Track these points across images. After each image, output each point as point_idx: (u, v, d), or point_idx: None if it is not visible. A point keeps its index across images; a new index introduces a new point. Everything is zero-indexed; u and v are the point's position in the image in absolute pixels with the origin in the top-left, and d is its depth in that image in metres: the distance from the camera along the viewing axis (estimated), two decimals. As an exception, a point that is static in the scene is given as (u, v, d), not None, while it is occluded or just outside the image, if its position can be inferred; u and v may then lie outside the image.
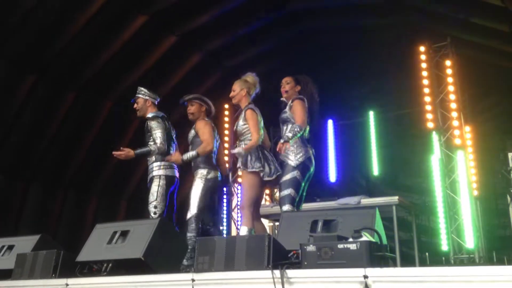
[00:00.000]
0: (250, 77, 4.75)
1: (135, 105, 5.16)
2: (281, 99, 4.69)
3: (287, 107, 4.58)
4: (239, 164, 4.47)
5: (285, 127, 4.55)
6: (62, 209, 7.45)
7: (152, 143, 4.93)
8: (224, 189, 8.30)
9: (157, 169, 4.88)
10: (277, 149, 4.30)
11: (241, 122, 4.53)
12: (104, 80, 7.31)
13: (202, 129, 4.82)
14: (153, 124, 4.96)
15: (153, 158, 4.94)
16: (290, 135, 4.29)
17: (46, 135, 7.04)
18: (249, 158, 4.37)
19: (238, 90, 4.66)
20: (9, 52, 6.28)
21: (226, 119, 9.17)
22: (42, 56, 6.55)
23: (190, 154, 4.70)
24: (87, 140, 7.55)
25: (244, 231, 4.27)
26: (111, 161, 7.94)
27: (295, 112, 4.46)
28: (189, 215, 4.65)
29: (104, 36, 6.86)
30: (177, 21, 7.31)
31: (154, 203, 4.79)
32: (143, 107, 5.12)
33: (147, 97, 5.14)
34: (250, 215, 4.32)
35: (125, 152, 4.89)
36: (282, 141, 4.28)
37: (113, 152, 4.93)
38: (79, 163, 7.56)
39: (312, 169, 4.44)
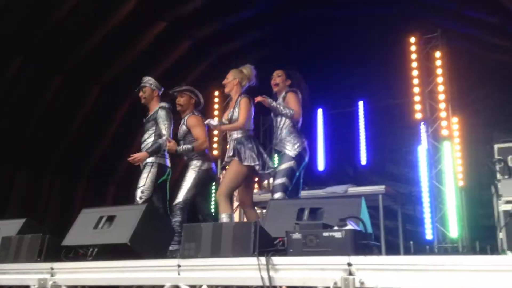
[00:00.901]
0: (247, 68, 4.76)
1: (141, 94, 5.21)
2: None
3: (280, 99, 4.60)
4: (230, 153, 4.48)
5: (278, 119, 4.58)
6: (50, 193, 7.41)
7: (155, 133, 4.95)
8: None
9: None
10: (256, 99, 4.42)
11: (236, 110, 4.53)
12: (92, 65, 7.23)
13: (196, 126, 4.86)
14: (163, 114, 4.98)
15: (148, 145, 4.95)
16: (281, 109, 4.45)
17: (34, 118, 6.97)
18: (242, 150, 4.39)
19: (231, 79, 4.69)
20: (-4, 34, 6.19)
21: (216, 106, 9.14)
22: (30, 39, 6.46)
23: (186, 147, 4.73)
24: (75, 124, 7.49)
25: (225, 218, 4.28)
26: (100, 145, 7.90)
27: (290, 104, 4.51)
28: (175, 201, 4.67)
29: (93, 21, 6.77)
30: (167, 7, 7.22)
31: (142, 188, 4.83)
32: (150, 96, 5.19)
33: (154, 88, 5.21)
34: (228, 202, 4.35)
35: (140, 157, 4.84)
36: (269, 100, 4.42)
37: (129, 159, 4.89)
38: (67, 147, 7.51)
39: (307, 159, 4.53)
